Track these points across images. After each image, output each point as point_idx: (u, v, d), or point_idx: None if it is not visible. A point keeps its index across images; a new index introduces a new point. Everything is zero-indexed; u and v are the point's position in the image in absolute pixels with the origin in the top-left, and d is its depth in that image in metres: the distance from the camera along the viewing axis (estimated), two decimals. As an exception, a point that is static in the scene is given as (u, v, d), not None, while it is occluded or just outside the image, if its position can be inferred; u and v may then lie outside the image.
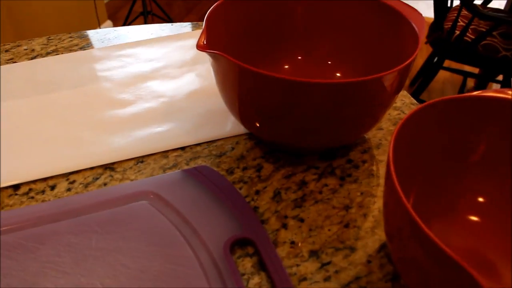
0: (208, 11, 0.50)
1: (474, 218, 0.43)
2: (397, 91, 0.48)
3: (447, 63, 2.45)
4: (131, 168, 0.52)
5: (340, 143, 0.50)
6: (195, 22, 0.81)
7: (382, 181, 0.51)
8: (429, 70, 1.87)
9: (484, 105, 0.41)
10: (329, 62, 0.61)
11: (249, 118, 0.49)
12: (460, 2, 1.57)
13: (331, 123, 0.46)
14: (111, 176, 0.51)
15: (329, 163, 0.53)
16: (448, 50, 1.71)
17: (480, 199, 0.43)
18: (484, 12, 1.53)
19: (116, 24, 2.66)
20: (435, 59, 1.90)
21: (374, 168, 0.53)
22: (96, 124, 0.57)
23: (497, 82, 2.03)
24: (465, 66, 2.41)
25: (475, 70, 2.38)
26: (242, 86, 0.45)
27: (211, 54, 0.45)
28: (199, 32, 0.77)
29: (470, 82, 2.29)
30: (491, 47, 1.65)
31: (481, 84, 2.25)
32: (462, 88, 2.07)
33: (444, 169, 0.44)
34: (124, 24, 2.20)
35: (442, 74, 2.34)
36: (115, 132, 0.56)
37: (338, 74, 0.60)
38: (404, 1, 2.88)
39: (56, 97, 0.62)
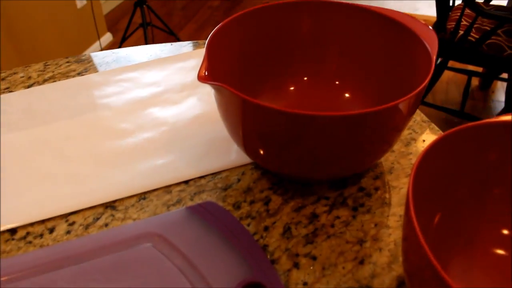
0: (208, 38, 0.48)
1: (499, 251, 0.41)
2: (411, 113, 0.45)
3: (450, 62, 2.42)
4: (133, 205, 0.50)
5: (352, 172, 0.47)
6: (195, 41, 0.79)
7: (396, 210, 0.48)
8: (433, 71, 1.85)
9: (508, 130, 0.38)
10: (337, 82, 0.58)
11: (254, 150, 0.46)
12: (463, 1, 1.54)
13: (342, 154, 0.43)
14: (113, 215, 0.49)
15: (340, 192, 0.50)
16: (452, 51, 1.68)
17: (505, 232, 0.40)
18: (487, 11, 1.50)
19: (116, 35, 2.64)
20: (439, 60, 1.87)
21: (387, 195, 0.50)
22: (95, 157, 0.55)
23: (502, 79, 2.00)
24: (468, 65, 2.38)
25: (479, 69, 2.35)
26: (246, 118, 0.43)
27: (213, 86, 0.43)
28: (199, 51, 0.75)
29: (475, 81, 2.26)
30: (496, 46, 1.62)
31: (486, 83, 2.22)
32: (467, 88, 2.03)
33: (466, 199, 0.41)
34: (124, 36, 2.18)
35: (445, 74, 2.31)
36: (115, 166, 0.54)
37: (346, 95, 0.58)
38: (405, 0, 2.83)
39: (53, 129, 0.60)
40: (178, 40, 2.24)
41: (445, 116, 2.04)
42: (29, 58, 2.02)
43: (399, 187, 0.51)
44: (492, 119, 0.37)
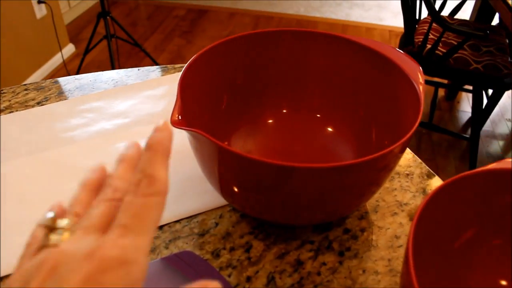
0: (180, 76, 0.44)
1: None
2: (402, 153, 0.43)
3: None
4: (101, 256, 0.45)
5: (338, 217, 0.45)
6: (164, 66, 0.75)
7: (384, 253, 0.46)
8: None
9: (507, 179, 0.36)
10: (318, 115, 0.55)
11: (232, 196, 0.43)
12: (429, 15, 1.55)
13: (327, 202, 0.40)
14: (79, 267, 0.45)
15: (325, 235, 0.48)
16: (420, 64, 1.70)
17: (503, 282, 0.38)
18: (454, 27, 1.52)
19: (78, 46, 2.56)
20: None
21: (374, 237, 0.48)
22: (56, 200, 0.50)
23: (467, 91, 2.04)
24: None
25: (445, 80, 2.39)
26: (223, 166, 0.40)
27: (188, 132, 0.39)
28: (168, 77, 0.71)
29: (441, 92, 2.30)
30: (462, 60, 1.64)
31: (451, 93, 2.26)
32: (434, 99, 2.06)
33: (465, 248, 0.39)
34: (87, 48, 2.10)
35: (412, 85, 2.34)
36: (81, 211, 0.49)
37: (329, 129, 0.55)
38: (370, 10, 2.82)
39: (9, 168, 0.55)
40: (143, 51, 2.19)
41: (413, 127, 2.06)
42: (-14, 72, 1.92)
43: (385, 227, 0.49)
44: (491, 166, 0.35)
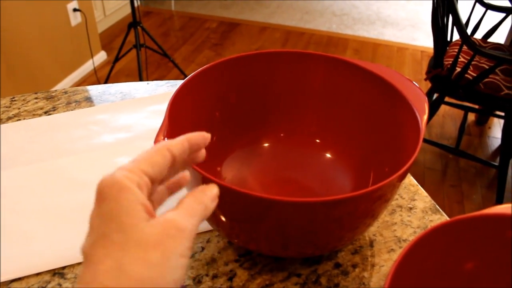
0: (171, 97, 0.44)
1: None
2: (400, 182, 0.41)
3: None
4: (82, 274, 0.45)
5: (328, 251, 0.43)
6: (173, 81, 0.74)
7: (375, 292, 0.44)
8: (430, 107, 1.81)
9: (498, 224, 0.34)
10: (317, 140, 0.54)
11: (218, 224, 0.41)
12: (460, 38, 1.51)
13: (315, 236, 0.39)
14: (60, 285, 0.44)
15: (314, 269, 0.45)
16: (449, 88, 1.65)
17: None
18: (485, 51, 1.47)
19: (110, 54, 2.61)
20: (435, 96, 1.84)
21: (366, 274, 0.45)
22: (48, 212, 0.50)
23: (499, 116, 1.97)
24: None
25: (476, 105, 2.31)
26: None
27: (171, 154, 0.38)
28: (177, 92, 0.70)
29: (471, 116, 2.23)
30: (493, 85, 1.59)
31: (482, 118, 2.19)
32: (463, 123, 2.00)
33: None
34: (117, 57, 2.14)
35: (442, 108, 2.28)
36: (69, 225, 0.49)
37: (327, 155, 0.53)
38: (404, 29, 2.76)
39: (7, 176, 0.55)
40: (171, 61, 2.21)
41: (439, 151, 2.00)
42: (21, 75, 1.98)
43: (380, 265, 0.46)
44: (482, 212, 0.33)
